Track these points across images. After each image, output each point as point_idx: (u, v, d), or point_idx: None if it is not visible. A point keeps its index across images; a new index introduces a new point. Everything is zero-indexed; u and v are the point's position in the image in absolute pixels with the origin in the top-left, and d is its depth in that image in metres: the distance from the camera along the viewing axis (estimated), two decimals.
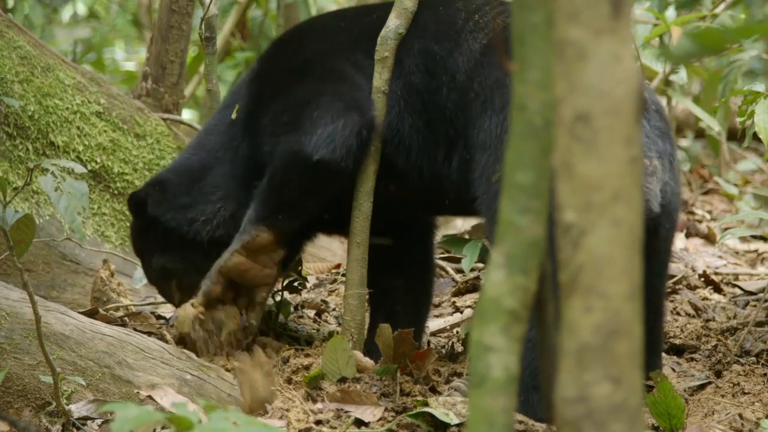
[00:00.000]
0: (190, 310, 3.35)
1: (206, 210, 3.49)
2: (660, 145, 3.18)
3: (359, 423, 3.03)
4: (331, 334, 3.70)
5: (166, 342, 3.40)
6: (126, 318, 3.79)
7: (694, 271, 4.80)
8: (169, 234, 3.49)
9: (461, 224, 5.06)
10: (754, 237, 5.53)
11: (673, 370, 3.60)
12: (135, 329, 3.59)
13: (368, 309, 3.57)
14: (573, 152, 1.63)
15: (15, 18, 5.44)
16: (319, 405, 3.09)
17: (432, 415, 2.97)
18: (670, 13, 5.61)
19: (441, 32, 3.38)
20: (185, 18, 4.74)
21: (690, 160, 6.90)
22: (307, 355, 3.37)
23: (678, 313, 4.14)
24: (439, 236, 3.84)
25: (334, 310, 4.17)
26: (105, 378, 3.17)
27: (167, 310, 3.94)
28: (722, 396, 3.38)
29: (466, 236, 3.93)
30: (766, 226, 5.69)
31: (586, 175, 1.62)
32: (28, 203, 4.10)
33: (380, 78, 3.36)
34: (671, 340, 3.83)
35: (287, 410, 3.06)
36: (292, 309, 3.88)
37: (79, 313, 3.38)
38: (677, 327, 3.96)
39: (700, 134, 7.42)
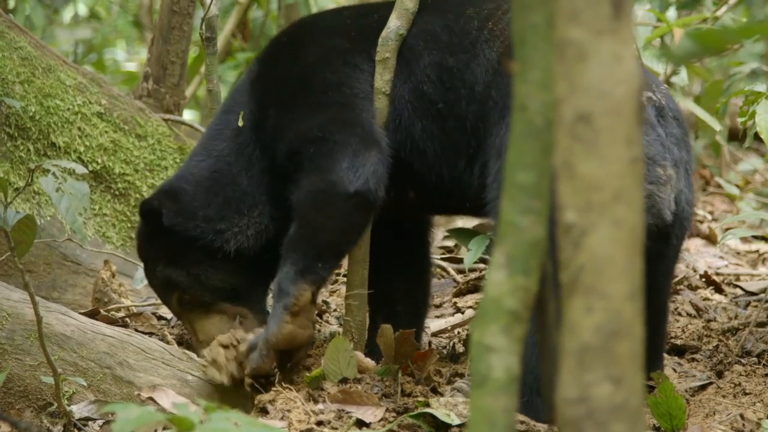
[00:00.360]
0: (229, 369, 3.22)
1: (238, 222, 3.42)
2: (676, 153, 3.18)
3: (360, 424, 3.03)
4: (332, 334, 3.70)
5: (168, 343, 3.40)
6: (127, 319, 3.80)
7: (695, 271, 4.80)
8: (184, 245, 3.40)
9: (461, 223, 5.06)
10: (755, 237, 5.53)
11: (675, 370, 3.60)
12: (136, 330, 3.59)
13: (368, 310, 3.56)
14: (574, 152, 1.63)
15: (16, 19, 5.44)
16: (321, 405, 3.09)
17: (433, 416, 2.97)
18: (672, 14, 5.61)
19: (455, 43, 3.34)
20: (186, 19, 4.74)
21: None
22: (309, 356, 3.37)
23: (679, 314, 4.14)
24: (437, 235, 3.84)
25: (335, 310, 4.17)
26: (106, 379, 3.17)
27: (168, 310, 3.94)
28: (723, 396, 3.38)
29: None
30: (767, 227, 5.69)
31: (587, 175, 1.62)
32: (30, 204, 4.10)
33: (381, 79, 3.36)
34: (672, 340, 3.83)
35: (288, 411, 3.06)
36: None
37: (81, 313, 3.38)
38: (678, 327, 3.96)
39: (702, 134, 7.42)
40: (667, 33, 5.10)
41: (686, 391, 3.44)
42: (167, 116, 4.59)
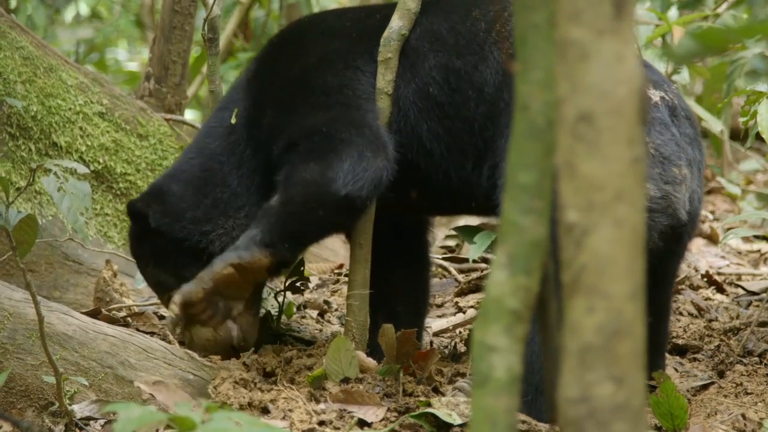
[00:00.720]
0: (172, 308, 3.23)
1: (224, 224, 3.42)
2: (689, 153, 3.18)
3: (362, 423, 3.03)
4: (333, 334, 3.70)
5: (169, 342, 3.40)
6: (129, 318, 3.80)
7: (697, 271, 4.80)
8: (171, 247, 3.41)
9: (464, 221, 5.06)
10: (757, 237, 5.53)
11: (676, 370, 3.60)
12: (138, 329, 3.59)
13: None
14: (575, 152, 1.63)
15: (18, 18, 5.44)
16: (322, 405, 3.09)
17: (435, 416, 2.97)
18: (673, 13, 5.61)
19: (462, 46, 3.33)
20: (188, 18, 4.75)
21: None
22: (310, 356, 3.37)
23: (681, 314, 4.14)
24: (438, 235, 3.85)
25: (336, 310, 4.17)
26: (108, 378, 3.17)
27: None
28: (725, 396, 3.38)
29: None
30: None
31: (589, 174, 1.62)
32: (31, 204, 4.10)
33: (383, 79, 3.36)
34: (674, 340, 3.83)
35: (290, 410, 3.06)
36: (294, 309, 3.88)
37: (82, 313, 3.38)
38: (680, 327, 3.96)
39: (704, 134, 7.41)
40: (668, 32, 5.10)
41: (688, 390, 3.44)
42: (169, 116, 4.59)
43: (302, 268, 3.74)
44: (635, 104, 1.61)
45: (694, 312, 4.18)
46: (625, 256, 1.62)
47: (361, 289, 3.42)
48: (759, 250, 5.44)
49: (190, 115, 6.76)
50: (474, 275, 4.50)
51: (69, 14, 8.33)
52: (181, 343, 3.54)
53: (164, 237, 3.41)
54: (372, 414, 3.06)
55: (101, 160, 4.30)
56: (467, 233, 3.62)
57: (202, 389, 3.16)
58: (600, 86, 1.61)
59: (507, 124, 3.21)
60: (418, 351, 3.27)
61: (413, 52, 3.37)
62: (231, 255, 3.17)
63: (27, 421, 3.01)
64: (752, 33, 1.85)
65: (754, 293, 4.52)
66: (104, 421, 3.08)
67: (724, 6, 5.45)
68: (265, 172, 3.41)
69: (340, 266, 4.69)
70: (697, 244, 5.31)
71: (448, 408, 2.99)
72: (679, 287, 4.41)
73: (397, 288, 3.67)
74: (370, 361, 3.29)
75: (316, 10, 6.33)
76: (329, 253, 4.87)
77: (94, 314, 3.61)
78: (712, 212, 6.10)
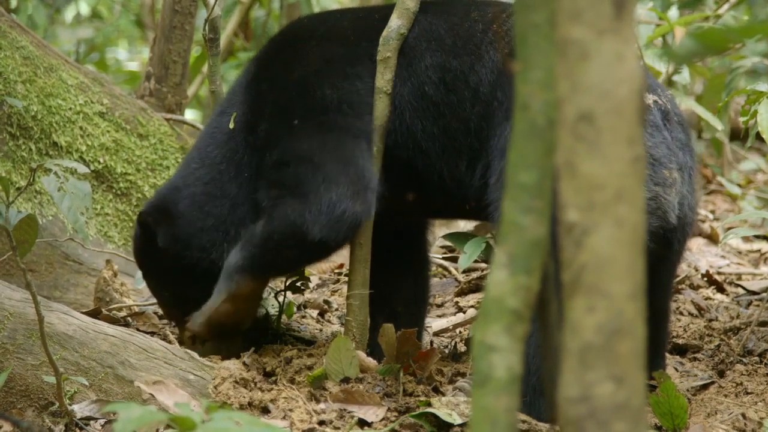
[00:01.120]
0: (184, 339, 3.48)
1: (228, 248, 3.44)
2: (681, 158, 3.18)
3: (362, 423, 3.03)
4: (334, 334, 3.70)
5: (169, 342, 3.40)
6: (129, 318, 3.80)
7: (697, 270, 4.80)
8: (176, 268, 3.47)
9: (463, 225, 5.07)
10: (757, 237, 5.53)
11: (676, 369, 3.60)
12: (138, 329, 3.59)
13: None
14: (576, 152, 1.63)
15: (18, 18, 5.44)
16: (322, 405, 3.09)
17: (435, 416, 2.97)
18: (673, 13, 5.61)
19: (459, 46, 3.34)
20: (188, 18, 4.74)
21: None
22: (310, 355, 3.37)
23: (681, 313, 4.14)
24: (435, 234, 3.85)
25: (336, 310, 4.17)
26: (108, 378, 3.17)
27: None
28: (725, 396, 3.38)
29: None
30: None
31: (589, 174, 1.62)
32: (31, 203, 4.10)
33: (382, 78, 3.36)
34: (674, 339, 3.83)
35: (290, 410, 3.06)
36: (294, 309, 3.88)
37: (82, 313, 3.38)
38: (680, 327, 3.96)
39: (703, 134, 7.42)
40: (668, 32, 5.10)
41: (688, 390, 3.44)
42: (169, 116, 4.59)
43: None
44: (635, 104, 1.61)
45: (695, 311, 4.18)
46: (626, 256, 1.62)
47: (361, 288, 3.42)
48: (759, 250, 5.44)
49: (190, 114, 6.76)
50: (474, 275, 4.50)
51: (69, 14, 8.33)
52: (181, 343, 3.54)
53: (171, 258, 3.46)
54: (372, 414, 3.06)
55: (101, 160, 4.30)
56: (459, 240, 3.63)
57: (203, 389, 3.16)
58: (600, 86, 1.61)
59: (500, 123, 3.21)
60: (418, 351, 3.27)
61: (410, 51, 3.37)
62: (221, 291, 3.34)
63: (27, 421, 3.01)
64: (752, 33, 1.85)
65: (754, 293, 4.52)
66: (104, 421, 3.08)
67: (726, 7, 5.44)
68: (258, 176, 3.42)
69: (340, 266, 4.69)
70: (697, 244, 5.31)
71: (448, 408, 2.99)
72: (680, 287, 4.41)
73: (397, 288, 3.67)
74: (371, 361, 3.29)
75: (316, 10, 6.33)
76: None
77: (95, 314, 3.61)
78: (713, 212, 6.10)
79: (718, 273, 4.79)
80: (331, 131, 3.34)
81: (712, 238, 5.41)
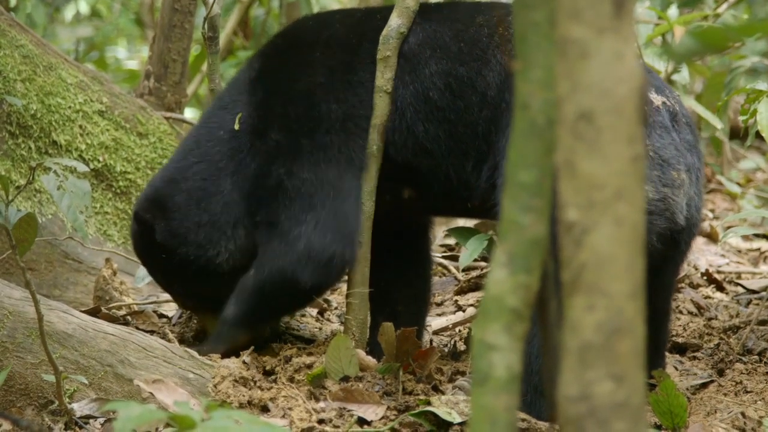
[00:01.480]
0: None
1: (225, 245, 3.46)
2: (688, 159, 3.19)
3: (362, 422, 3.03)
4: (333, 332, 3.70)
5: (169, 341, 3.40)
6: (128, 317, 3.80)
7: (696, 269, 4.80)
8: (175, 263, 3.49)
9: (463, 222, 5.07)
10: (757, 235, 5.53)
11: (676, 368, 3.60)
12: (137, 328, 3.59)
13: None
14: (575, 151, 1.63)
15: (17, 17, 5.44)
16: (322, 404, 3.09)
17: (435, 414, 2.97)
18: (673, 11, 5.61)
19: (465, 53, 3.34)
20: (187, 17, 4.74)
21: None
22: (310, 354, 3.37)
23: (681, 312, 4.14)
24: (438, 233, 3.84)
25: (336, 308, 4.17)
26: (107, 377, 3.17)
27: (170, 308, 3.94)
28: (725, 394, 3.38)
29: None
30: None
31: (589, 173, 1.62)
32: (31, 202, 4.10)
33: (382, 77, 3.35)
34: (674, 338, 3.83)
35: (290, 409, 3.06)
36: None
37: (82, 311, 3.38)
38: (680, 326, 3.96)
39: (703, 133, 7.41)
40: (668, 31, 5.10)
41: (687, 389, 3.44)
42: (168, 114, 4.59)
43: None
44: (635, 103, 1.61)
45: (694, 310, 4.18)
46: (625, 255, 1.62)
47: (360, 287, 3.42)
48: (759, 249, 5.44)
49: (189, 113, 6.75)
50: (474, 273, 4.50)
51: (69, 13, 8.32)
52: (181, 342, 3.54)
53: (169, 252, 3.48)
54: (372, 412, 3.05)
55: (101, 159, 4.30)
56: (462, 235, 3.63)
57: (202, 387, 3.16)
58: (600, 85, 1.61)
59: (508, 124, 3.21)
60: (418, 349, 3.27)
61: (414, 56, 3.36)
62: (220, 340, 3.41)
63: (26, 420, 3.01)
64: (752, 31, 1.85)
65: (753, 291, 4.52)
66: (104, 419, 3.08)
67: (725, 6, 5.44)
68: (260, 180, 3.42)
69: None
70: (697, 243, 5.30)
71: (447, 406, 2.99)
72: (679, 286, 4.41)
73: (397, 286, 3.67)
74: (370, 360, 3.29)
75: (316, 9, 6.33)
76: None
77: (94, 313, 3.61)
78: (712, 211, 6.10)
79: (718, 272, 4.79)
80: (330, 162, 3.37)
81: (712, 237, 5.41)
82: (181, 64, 4.75)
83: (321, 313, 4.10)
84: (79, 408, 3.10)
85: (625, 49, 1.61)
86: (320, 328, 3.86)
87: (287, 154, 3.38)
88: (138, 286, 4.05)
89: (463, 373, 3.40)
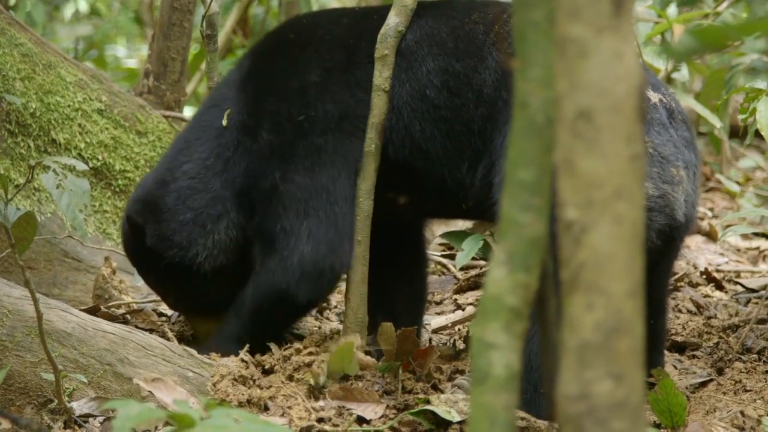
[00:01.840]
0: None
1: (205, 243, 3.46)
2: (686, 156, 3.20)
3: (361, 420, 3.03)
4: (332, 331, 3.70)
5: (168, 339, 3.40)
6: (128, 315, 3.80)
7: (695, 268, 4.80)
8: (164, 265, 3.49)
9: (462, 224, 5.08)
10: (756, 234, 5.53)
11: (675, 367, 3.60)
12: (137, 327, 3.59)
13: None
14: (574, 149, 1.63)
15: (17, 15, 5.44)
16: (321, 402, 3.09)
17: (434, 413, 2.97)
18: (672, 10, 5.61)
19: (462, 49, 3.34)
20: (187, 15, 4.74)
21: None
22: (309, 353, 3.37)
23: (680, 311, 4.14)
24: (433, 232, 3.85)
25: (335, 307, 4.17)
26: (107, 375, 3.17)
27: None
28: (724, 393, 3.38)
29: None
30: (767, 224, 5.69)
31: (588, 172, 1.62)
32: (30, 200, 4.10)
33: (380, 76, 3.35)
34: (673, 337, 3.83)
35: (289, 407, 3.06)
36: None
37: (81, 310, 3.38)
38: (679, 324, 3.96)
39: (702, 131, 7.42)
40: (667, 29, 5.10)
41: (687, 388, 3.44)
42: (168, 113, 4.59)
43: None
44: (634, 101, 1.61)
45: (693, 309, 4.18)
46: (624, 254, 1.62)
47: (359, 286, 3.42)
48: (758, 248, 5.44)
49: (189, 111, 6.75)
50: (473, 272, 4.50)
51: (68, 11, 8.32)
52: (180, 340, 3.54)
53: (158, 256, 3.48)
54: (371, 411, 3.06)
55: (100, 157, 4.30)
56: (456, 238, 3.64)
57: (201, 386, 3.16)
58: (599, 83, 1.61)
59: (505, 122, 3.21)
60: (417, 348, 3.27)
61: (411, 54, 3.36)
62: (222, 353, 3.38)
63: (26, 419, 3.01)
64: (751, 30, 1.85)
65: (753, 290, 4.52)
66: (103, 418, 3.08)
67: (725, 4, 5.45)
68: (252, 181, 3.42)
69: None
70: (696, 242, 5.31)
71: (447, 405, 2.99)
72: (678, 284, 4.41)
73: (395, 285, 3.67)
74: (369, 359, 3.29)
75: (315, 8, 6.33)
76: None
77: (93, 311, 3.61)
78: (711, 209, 6.10)
79: (717, 270, 4.79)
80: (324, 167, 3.36)
81: (711, 236, 5.41)
82: (180, 63, 4.75)
83: (320, 311, 4.10)
84: (79, 407, 3.10)
85: (625, 47, 1.61)
86: (319, 327, 3.86)
87: (281, 155, 3.37)
88: (137, 284, 4.05)
89: (462, 372, 3.40)
